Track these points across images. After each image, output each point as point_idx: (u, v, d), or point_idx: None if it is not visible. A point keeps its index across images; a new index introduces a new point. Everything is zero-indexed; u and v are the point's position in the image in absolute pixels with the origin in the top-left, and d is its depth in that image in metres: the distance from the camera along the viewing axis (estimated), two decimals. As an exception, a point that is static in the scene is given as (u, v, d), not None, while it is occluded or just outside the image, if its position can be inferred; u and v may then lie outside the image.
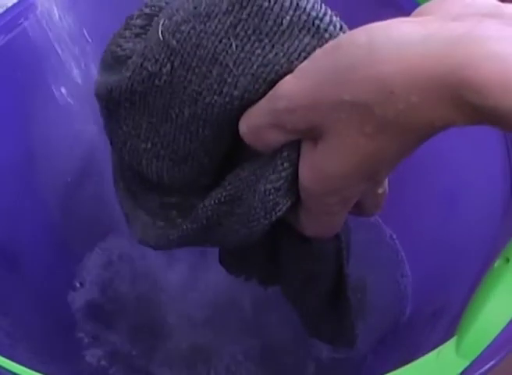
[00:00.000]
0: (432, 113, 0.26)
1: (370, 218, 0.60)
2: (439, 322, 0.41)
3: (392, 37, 0.27)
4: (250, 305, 0.58)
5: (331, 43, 0.30)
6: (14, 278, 0.52)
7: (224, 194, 0.35)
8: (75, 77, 0.53)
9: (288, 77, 0.31)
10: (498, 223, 0.40)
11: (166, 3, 0.36)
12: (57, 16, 0.49)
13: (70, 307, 0.59)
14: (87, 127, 0.53)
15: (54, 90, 0.53)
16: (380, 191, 0.35)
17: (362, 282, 0.58)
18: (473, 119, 0.26)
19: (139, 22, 0.37)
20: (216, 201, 0.35)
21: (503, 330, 0.30)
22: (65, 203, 0.59)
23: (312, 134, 0.30)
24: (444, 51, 0.25)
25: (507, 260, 0.31)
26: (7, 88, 0.51)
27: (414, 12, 0.31)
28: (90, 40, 0.52)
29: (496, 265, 0.32)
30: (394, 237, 0.60)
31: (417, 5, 0.45)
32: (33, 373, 0.31)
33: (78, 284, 0.60)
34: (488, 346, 0.30)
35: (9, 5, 0.55)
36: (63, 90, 0.53)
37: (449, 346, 0.30)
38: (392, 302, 0.57)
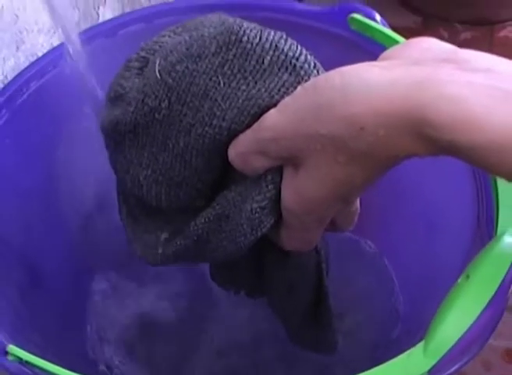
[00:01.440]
0: (397, 146, 0.30)
1: (369, 247, 0.66)
2: (419, 334, 0.46)
3: (363, 80, 0.31)
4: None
5: (310, 83, 0.34)
6: (39, 295, 0.56)
7: (213, 213, 0.38)
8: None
9: (273, 111, 0.34)
10: (468, 247, 0.45)
11: (160, 46, 0.40)
12: (84, 62, 0.54)
13: (87, 320, 0.63)
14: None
15: (79, 128, 0.58)
16: (352, 209, 0.40)
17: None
18: (432, 151, 0.30)
19: (137, 64, 0.40)
20: (206, 219, 0.38)
21: (463, 336, 0.34)
22: (84, 225, 0.63)
23: (293, 161, 0.34)
24: (407, 93, 0.29)
25: (468, 277, 0.36)
26: (37, 126, 0.56)
27: (382, 56, 0.35)
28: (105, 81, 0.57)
29: (459, 281, 0.36)
30: (387, 263, 0.65)
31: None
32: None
33: (96, 301, 0.64)
34: (451, 348, 0.34)
35: (39, 54, 0.61)
36: (87, 128, 0.58)
37: (418, 348, 0.35)
38: (385, 321, 0.61)
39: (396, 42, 0.53)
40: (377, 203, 0.54)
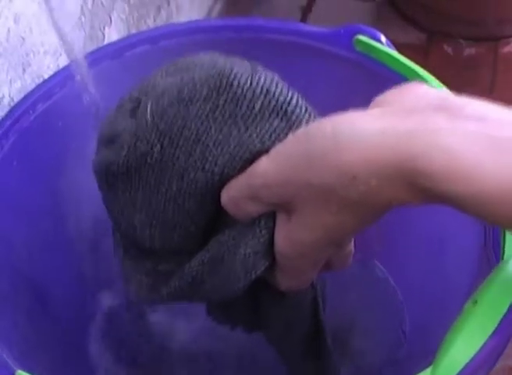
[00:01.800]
0: (389, 195, 0.30)
1: (374, 266, 0.66)
2: (424, 355, 0.46)
3: (355, 129, 0.31)
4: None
5: (301, 130, 0.34)
6: (46, 318, 0.56)
7: (207, 256, 0.38)
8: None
9: (264, 158, 0.34)
10: (474, 269, 0.45)
11: (152, 88, 0.39)
12: (90, 84, 0.54)
13: (93, 342, 0.62)
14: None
15: (85, 149, 0.58)
16: (346, 251, 0.40)
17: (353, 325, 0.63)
18: (425, 199, 0.30)
19: (129, 105, 0.40)
20: (200, 262, 0.38)
21: (471, 361, 0.34)
22: (90, 248, 0.62)
23: (285, 207, 0.34)
24: (399, 143, 0.29)
25: (475, 302, 0.36)
26: (44, 148, 0.56)
27: (374, 102, 0.35)
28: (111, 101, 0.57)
29: (466, 306, 0.36)
30: (393, 283, 0.65)
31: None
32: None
33: (101, 324, 0.64)
34: (458, 374, 0.34)
35: (46, 76, 0.62)
36: (94, 149, 0.59)
37: (426, 374, 0.35)
38: (391, 341, 0.61)
39: (402, 64, 0.53)
40: (383, 224, 0.54)
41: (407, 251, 0.62)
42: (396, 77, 0.53)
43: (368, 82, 0.54)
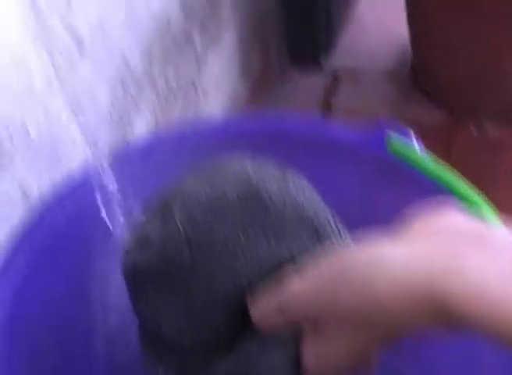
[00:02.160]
0: (415, 322, 0.31)
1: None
2: None
3: (387, 261, 0.32)
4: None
5: (335, 255, 0.34)
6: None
7: (232, 362, 0.38)
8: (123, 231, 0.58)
9: (295, 276, 0.35)
10: None
11: (181, 192, 0.40)
12: (116, 182, 0.54)
13: None
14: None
15: (110, 246, 0.57)
16: (370, 361, 0.39)
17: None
18: (449, 327, 0.31)
19: (159, 209, 0.40)
20: (226, 367, 0.38)
21: None
22: (110, 349, 0.61)
23: (312, 324, 0.35)
24: (428, 274, 0.30)
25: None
26: (70, 244, 0.56)
27: (401, 228, 0.35)
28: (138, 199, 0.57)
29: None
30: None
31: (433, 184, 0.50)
32: None
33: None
34: None
35: (74, 169, 0.62)
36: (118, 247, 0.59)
37: None
38: None
39: (433, 169, 0.52)
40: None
41: (436, 354, 0.60)
42: (426, 183, 0.53)
43: (401, 183, 0.53)
